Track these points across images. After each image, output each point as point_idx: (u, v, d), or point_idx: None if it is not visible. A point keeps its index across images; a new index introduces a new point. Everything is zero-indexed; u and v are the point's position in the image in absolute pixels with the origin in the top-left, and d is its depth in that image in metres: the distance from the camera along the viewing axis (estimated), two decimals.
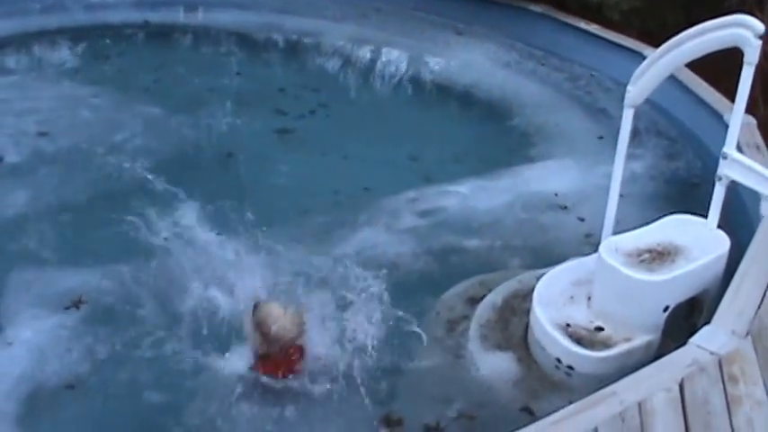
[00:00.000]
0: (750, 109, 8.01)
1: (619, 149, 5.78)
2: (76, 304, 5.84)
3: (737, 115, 5.58)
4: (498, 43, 11.16)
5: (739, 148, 6.78)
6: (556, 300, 5.64)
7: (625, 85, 5.89)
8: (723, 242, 5.68)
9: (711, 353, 4.60)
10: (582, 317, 5.52)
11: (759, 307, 5.03)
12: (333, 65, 10.75)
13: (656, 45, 9.21)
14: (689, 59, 5.63)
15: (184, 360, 5.30)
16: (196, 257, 6.10)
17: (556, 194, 7.59)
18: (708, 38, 5.40)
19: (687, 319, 5.59)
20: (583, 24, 10.78)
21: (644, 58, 8.89)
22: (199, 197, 6.95)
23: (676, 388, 4.33)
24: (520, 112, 9.46)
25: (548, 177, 7.95)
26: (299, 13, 11.76)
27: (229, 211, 6.56)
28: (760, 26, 5.23)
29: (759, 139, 7.51)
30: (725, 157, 5.67)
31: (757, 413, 4.22)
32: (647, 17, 10.53)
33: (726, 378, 4.43)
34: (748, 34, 5.25)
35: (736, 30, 5.28)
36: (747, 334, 4.78)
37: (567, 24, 10.93)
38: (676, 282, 5.31)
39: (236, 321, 5.39)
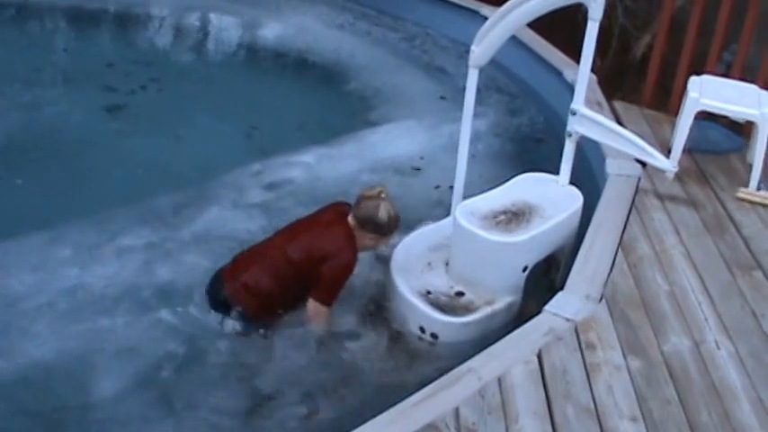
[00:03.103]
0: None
1: (465, 112, 5.76)
2: None
3: (584, 71, 5.62)
4: (330, 5, 10.99)
5: None
6: (413, 267, 5.58)
7: (461, 43, 5.87)
8: (576, 198, 5.73)
9: (567, 320, 4.65)
10: (441, 283, 5.49)
11: (611, 270, 5.13)
12: (163, 36, 10.36)
13: (492, 3, 9.31)
14: (533, 18, 5.57)
15: None
16: (31, 255, 5.82)
17: (403, 157, 7.50)
18: None
19: (545, 276, 5.67)
20: None
21: (480, 15, 9.05)
22: (29, 186, 6.67)
23: (534, 359, 4.35)
24: (357, 76, 9.31)
25: (392, 141, 7.84)
26: None
27: (63, 198, 6.39)
28: None
29: (600, 96, 7.61)
30: (574, 113, 5.71)
31: (616, 378, 4.29)
32: None
33: (583, 345, 4.49)
34: None
35: None
36: (602, 298, 4.86)
37: None
38: (534, 241, 5.32)
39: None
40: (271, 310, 5.25)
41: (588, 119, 5.71)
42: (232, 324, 5.20)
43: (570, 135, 5.80)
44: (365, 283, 5.68)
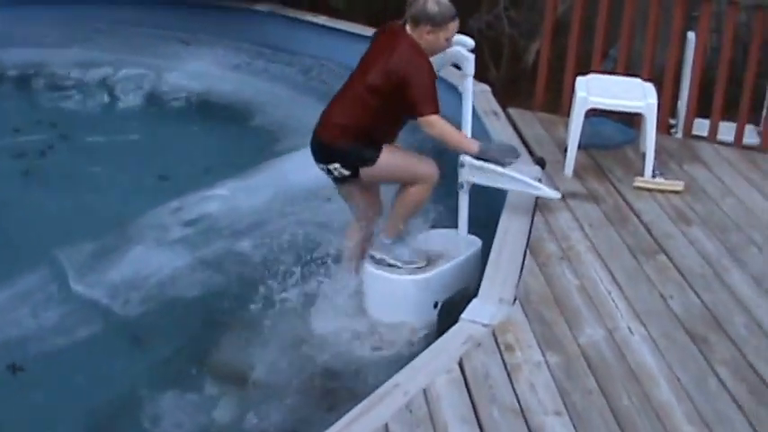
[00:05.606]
0: (483, 74, 8.27)
1: None
2: None
3: (467, 123, 5.91)
4: (226, 47, 11.00)
5: (477, 116, 7.04)
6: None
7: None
8: (475, 243, 5.99)
9: (484, 325, 4.76)
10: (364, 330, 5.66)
11: (521, 272, 5.26)
12: (66, 95, 10.15)
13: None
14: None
15: None
16: None
17: (316, 184, 7.48)
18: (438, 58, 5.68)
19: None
20: (309, 17, 10.81)
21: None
22: None
23: (456, 368, 4.44)
24: (260, 112, 9.40)
25: (303, 169, 7.73)
26: (20, 44, 10.83)
27: None
28: (470, 41, 5.74)
29: (496, 106, 7.78)
30: (462, 165, 5.86)
31: (537, 375, 4.41)
32: (371, 2, 10.67)
33: (502, 348, 4.59)
34: (463, 50, 5.72)
35: (454, 48, 5.66)
36: (515, 300, 4.99)
37: (294, 19, 10.93)
38: (439, 277, 5.62)
39: None
40: (366, 140, 5.50)
41: (476, 168, 5.85)
42: (337, 168, 5.56)
43: (462, 186, 5.96)
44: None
